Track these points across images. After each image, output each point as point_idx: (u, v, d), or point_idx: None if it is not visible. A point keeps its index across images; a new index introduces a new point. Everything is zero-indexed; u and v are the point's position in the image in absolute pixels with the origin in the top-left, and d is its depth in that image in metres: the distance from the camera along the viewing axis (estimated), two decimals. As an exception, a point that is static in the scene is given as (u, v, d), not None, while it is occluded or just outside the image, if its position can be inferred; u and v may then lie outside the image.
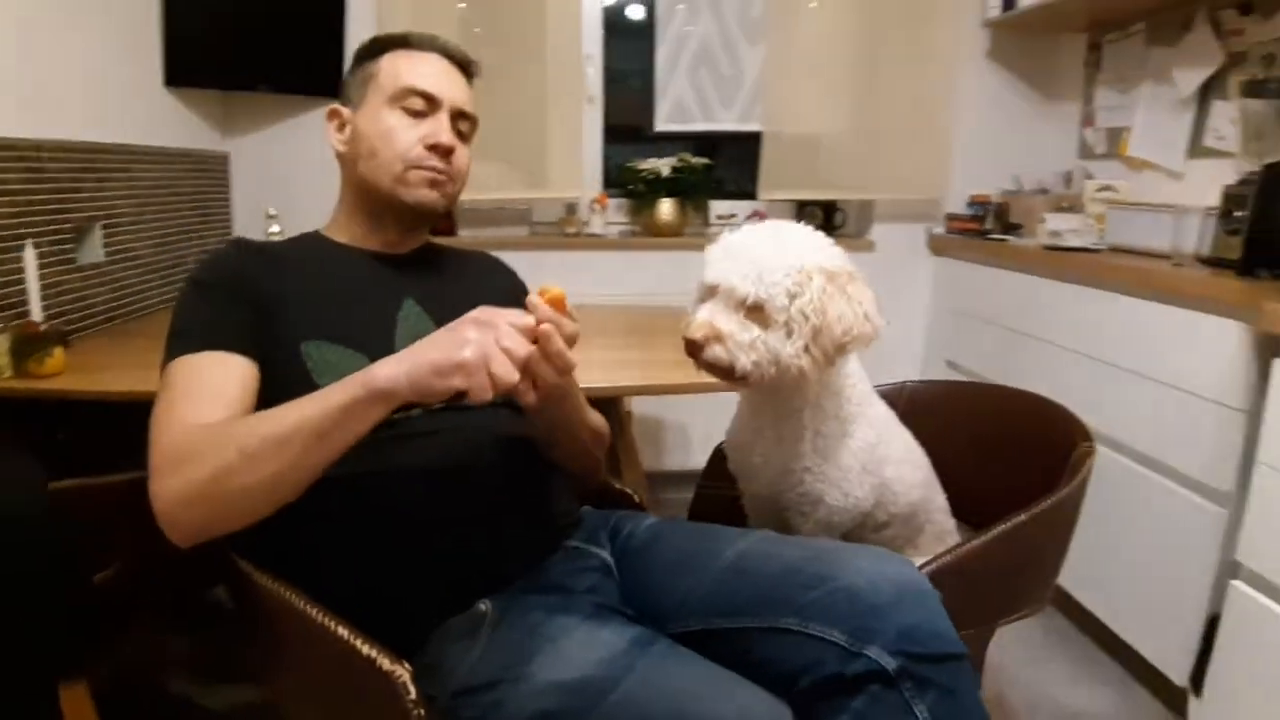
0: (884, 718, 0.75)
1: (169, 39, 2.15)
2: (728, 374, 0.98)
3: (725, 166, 2.92)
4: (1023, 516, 1.06)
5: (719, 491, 1.45)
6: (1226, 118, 2.00)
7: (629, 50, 2.84)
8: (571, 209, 2.79)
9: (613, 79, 2.79)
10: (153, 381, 0.93)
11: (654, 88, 2.80)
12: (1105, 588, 1.90)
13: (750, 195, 2.89)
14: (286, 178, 2.51)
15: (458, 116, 1.09)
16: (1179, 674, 1.70)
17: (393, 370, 0.79)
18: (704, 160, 2.77)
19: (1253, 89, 1.74)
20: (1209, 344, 1.60)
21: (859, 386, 1.10)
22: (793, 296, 0.96)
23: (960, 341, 2.66)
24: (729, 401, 1.24)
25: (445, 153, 1.06)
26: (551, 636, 0.84)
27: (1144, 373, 1.77)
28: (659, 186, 2.75)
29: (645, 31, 2.80)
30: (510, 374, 0.77)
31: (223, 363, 0.92)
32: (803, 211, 2.88)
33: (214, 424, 0.85)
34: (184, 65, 2.20)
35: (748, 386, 1.03)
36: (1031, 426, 1.32)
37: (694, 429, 2.79)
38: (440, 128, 1.06)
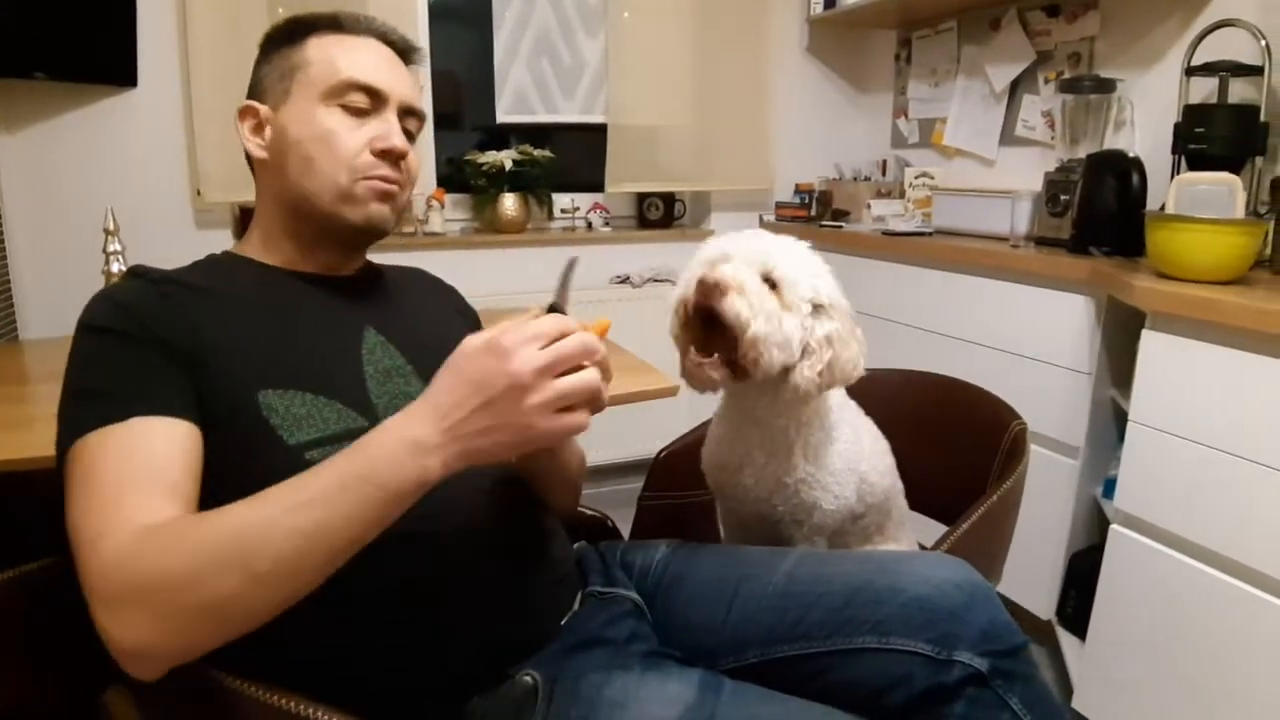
0: (984, 717, 0.76)
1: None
2: (730, 344, 0.91)
3: (560, 158, 2.83)
4: (995, 497, 1.12)
5: (662, 501, 1.42)
6: (1036, 110, 2.24)
7: (462, 39, 2.67)
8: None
9: (440, 68, 2.61)
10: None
11: (493, 77, 2.65)
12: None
13: (587, 188, 2.84)
14: (70, 184, 2.11)
15: (405, 114, 0.94)
16: (1045, 609, 1.91)
17: (444, 457, 0.67)
18: (546, 153, 2.68)
19: (1068, 85, 1.96)
20: (1059, 317, 1.79)
21: (838, 390, 1.11)
22: (813, 305, 0.96)
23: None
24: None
25: (397, 159, 0.91)
26: (618, 701, 0.76)
27: (995, 345, 1.95)
28: (501, 181, 2.63)
29: (475, 19, 2.65)
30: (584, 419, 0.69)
31: (162, 432, 0.73)
32: (644, 203, 2.88)
33: (188, 528, 0.67)
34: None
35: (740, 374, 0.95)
36: (956, 409, 1.40)
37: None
38: (390, 129, 0.91)
